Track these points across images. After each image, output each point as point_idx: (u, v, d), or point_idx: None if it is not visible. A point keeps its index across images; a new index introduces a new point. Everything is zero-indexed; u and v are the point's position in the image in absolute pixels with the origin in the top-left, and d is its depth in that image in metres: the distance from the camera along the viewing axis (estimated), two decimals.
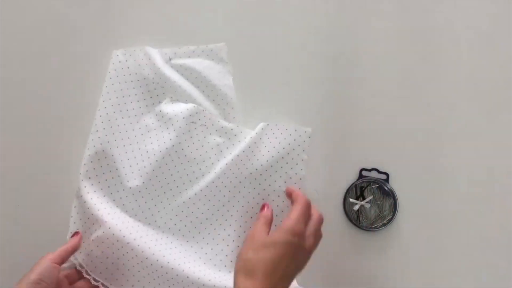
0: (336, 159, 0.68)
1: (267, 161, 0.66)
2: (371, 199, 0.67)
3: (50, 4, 0.72)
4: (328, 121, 0.69)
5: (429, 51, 0.71)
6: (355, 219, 0.67)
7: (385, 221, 0.67)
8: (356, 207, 0.67)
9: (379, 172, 0.68)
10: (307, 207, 0.59)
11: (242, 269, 0.54)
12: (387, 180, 0.68)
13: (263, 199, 0.66)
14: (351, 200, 0.67)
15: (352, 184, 0.68)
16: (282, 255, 0.55)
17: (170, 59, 0.69)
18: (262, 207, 0.64)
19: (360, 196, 0.68)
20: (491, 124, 0.70)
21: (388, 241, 0.67)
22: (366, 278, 0.67)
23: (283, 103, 0.70)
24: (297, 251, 0.56)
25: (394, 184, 0.68)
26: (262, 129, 0.67)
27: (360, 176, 0.68)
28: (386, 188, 0.68)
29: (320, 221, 0.60)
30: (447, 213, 0.68)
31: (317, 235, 0.59)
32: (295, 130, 0.67)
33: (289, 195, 0.63)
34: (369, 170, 0.68)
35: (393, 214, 0.67)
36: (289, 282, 0.56)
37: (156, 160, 0.66)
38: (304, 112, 0.70)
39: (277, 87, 0.71)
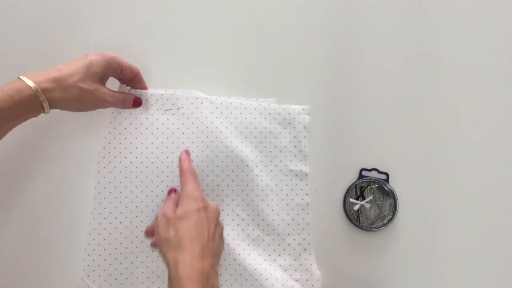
0: (336, 159, 0.68)
1: (271, 142, 0.67)
2: (371, 199, 0.67)
3: (50, 4, 0.72)
4: (328, 121, 0.69)
5: (429, 51, 0.71)
6: (355, 219, 0.67)
7: (385, 221, 0.67)
8: (356, 207, 0.67)
9: (379, 172, 0.68)
10: (193, 173, 0.62)
11: (169, 248, 0.55)
12: (387, 180, 0.68)
13: (271, 180, 0.67)
14: (351, 200, 0.67)
15: (352, 184, 0.68)
16: (199, 220, 0.57)
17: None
18: (170, 192, 0.65)
19: (360, 196, 0.68)
20: (491, 124, 0.70)
21: (388, 241, 0.67)
22: (366, 278, 0.67)
23: (283, 103, 0.70)
24: (207, 213, 0.58)
25: (394, 184, 0.68)
26: (257, 109, 0.68)
27: (360, 176, 0.68)
28: (386, 188, 0.68)
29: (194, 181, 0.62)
30: (447, 213, 0.68)
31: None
32: (293, 109, 0.68)
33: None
34: (369, 170, 0.68)
35: (393, 214, 0.67)
36: (216, 239, 0.58)
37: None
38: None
39: (277, 87, 0.71)
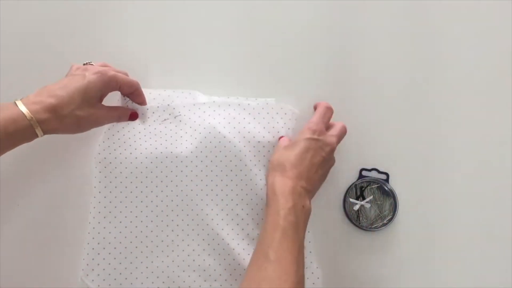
0: (336, 159, 0.68)
1: (269, 141, 0.66)
2: (371, 199, 0.67)
3: (53, 4, 0.72)
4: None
5: (429, 51, 0.71)
6: (355, 219, 0.67)
7: (385, 221, 0.67)
8: (356, 207, 0.67)
9: (379, 172, 0.68)
10: (327, 110, 0.65)
11: (271, 169, 0.61)
12: (387, 180, 0.68)
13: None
14: (351, 200, 0.67)
15: (352, 184, 0.68)
16: (306, 148, 0.61)
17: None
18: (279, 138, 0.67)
19: (360, 196, 0.68)
20: (492, 124, 0.70)
21: (388, 241, 0.67)
22: (366, 278, 0.67)
23: (283, 103, 0.70)
24: (319, 144, 0.61)
25: (394, 184, 0.68)
26: (255, 109, 0.68)
27: (360, 176, 0.68)
28: (386, 188, 0.68)
29: (343, 129, 0.65)
30: (447, 213, 0.68)
31: (340, 135, 0.64)
32: (290, 110, 0.69)
33: (315, 107, 0.68)
34: (369, 170, 0.68)
35: (393, 214, 0.67)
36: (317, 172, 0.61)
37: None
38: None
39: (277, 87, 0.71)
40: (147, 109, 0.67)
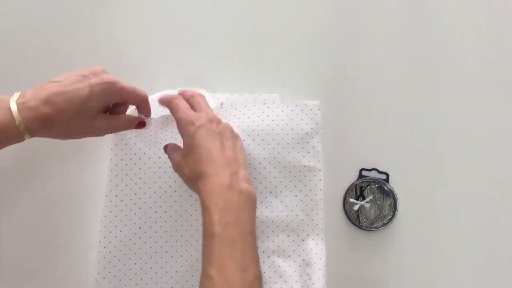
0: (336, 159, 0.68)
1: (283, 139, 0.66)
2: (371, 199, 0.67)
3: (55, 4, 0.72)
4: (328, 121, 0.69)
5: (429, 51, 0.71)
6: (355, 219, 0.67)
7: (385, 221, 0.67)
8: (356, 207, 0.67)
9: (379, 172, 0.68)
10: (179, 100, 0.60)
11: (190, 186, 0.56)
12: (387, 180, 0.68)
13: (285, 176, 0.66)
14: (351, 200, 0.67)
15: (352, 184, 0.68)
16: (199, 141, 0.55)
17: (221, 104, 0.68)
18: (165, 147, 0.61)
19: (360, 196, 0.68)
20: (492, 124, 0.70)
21: (388, 241, 0.67)
22: (366, 278, 0.67)
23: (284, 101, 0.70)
24: (203, 128, 0.56)
25: (394, 184, 0.68)
26: (268, 107, 0.68)
27: (360, 176, 0.68)
28: (386, 188, 0.68)
29: (199, 97, 0.61)
30: (447, 213, 0.68)
31: (203, 102, 0.61)
32: (306, 105, 0.68)
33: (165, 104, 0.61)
34: (369, 170, 0.68)
35: (393, 214, 0.67)
36: (224, 147, 0.56)
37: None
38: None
39: (277, 86, 0.71)
40: (156, 120, 0.66)
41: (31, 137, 0.54)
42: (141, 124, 0.63)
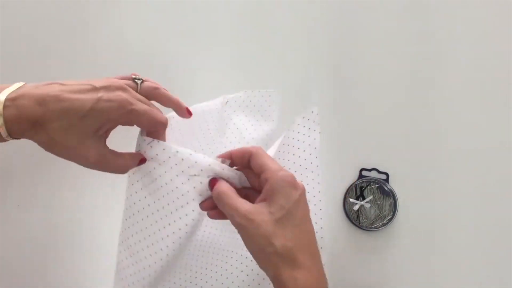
0: (336, 159, 0.68)
1: (286, 160, 0.59)
2: (371, 199, 0.67)
3: (53, 4, 0.72)
4: (328, 121, 0.69)
5: (429, 51, 0.71)
6: (355, 219, 0.67)
7: (385, 221, 0.67)
8: (356, 207, 0.67)
9: (379, 172, 0.68)
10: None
11: (279, 264, 0.44)
12: (387, 180, 0.68)
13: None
14: (351, 200, 0.67)
15: (352, 184, 0.68)
16: (307, 215, 0.47)
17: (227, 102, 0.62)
18: (212, 185, 0.49)
19: (360, 196, 0.68)
20: (492, 124, 0.70)
21: (388, 241, 0.67)
22: (366, 278, 0.67)
23: (283, 103, 0.70)
24: (303, 196, 0.47)
25: (394, 184, 0.68)
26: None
27: (360, 176, 0.68)
28: (386, 188, 0.68)
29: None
30: (447, 213, 0.68)
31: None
32: (303, 118, 0.61)
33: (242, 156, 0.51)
34: (369, 170, 0.68)
35: (393, 214, 0.67)
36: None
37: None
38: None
39: (276, 87, 0.71)
40: (169, 157, 0.51)
41: (13, 139, 0.46)
42: (142, 161, 0.51)
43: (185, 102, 0.53)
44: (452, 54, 0.71)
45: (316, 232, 0.50)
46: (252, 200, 0.48)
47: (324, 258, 0.49)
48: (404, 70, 0.71)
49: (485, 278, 0.66)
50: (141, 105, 0.47)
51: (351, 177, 0.69)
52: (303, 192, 0.47)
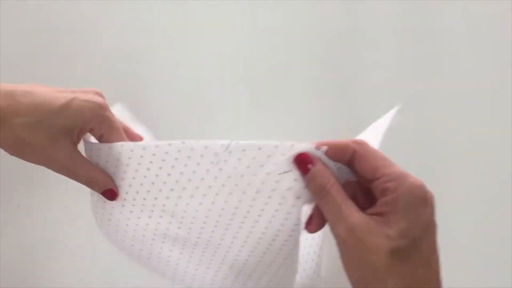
0: None
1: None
2: None
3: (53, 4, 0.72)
4: (328, 121, 0.70)
5: (430, 51, 0.71)
6: None
7: None
8: None
9: None
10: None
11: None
12: None
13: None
14: None
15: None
16: (429, 246, 0.37)
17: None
18: (303, 162, 0.37)
19: None
20: (492, 124, 0.70)
21: None
22: None
23: (283, 103, 0.70)
24: (434, 224, 0.37)
25: None
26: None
27: None
28: None
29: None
30: (447, 213, 0.68)
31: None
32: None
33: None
34: None
35: None
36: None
37: None
38: (304, 113, 0.70)
39: (277, 88, 0.71)
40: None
41: None
42: (110, 195, 0.46)
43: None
44: (452, 55, 0.71)
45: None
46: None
47: None
48: (404, 70, 0.71)
49: (485, 278, 0.66)
50: (115, 118, 0.43)
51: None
52: (433, 208, 0.36)
